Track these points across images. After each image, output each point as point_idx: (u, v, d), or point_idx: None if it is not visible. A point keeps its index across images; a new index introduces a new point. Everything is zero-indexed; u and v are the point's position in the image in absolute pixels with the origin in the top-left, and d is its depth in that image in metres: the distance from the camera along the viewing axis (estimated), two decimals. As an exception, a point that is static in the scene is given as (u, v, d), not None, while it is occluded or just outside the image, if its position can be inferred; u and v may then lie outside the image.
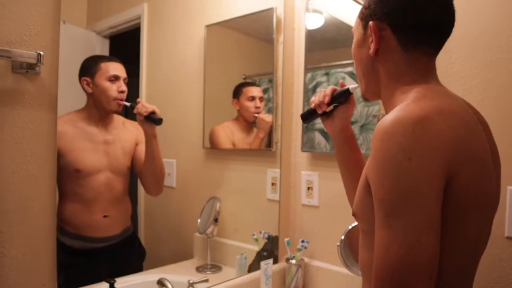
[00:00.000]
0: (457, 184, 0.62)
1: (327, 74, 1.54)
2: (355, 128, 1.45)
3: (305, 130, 1.60)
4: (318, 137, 1.56)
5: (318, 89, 1.57)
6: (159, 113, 1.34)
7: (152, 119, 1.33)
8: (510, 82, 1.15)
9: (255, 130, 1.70)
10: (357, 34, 0.82)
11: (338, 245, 1.36)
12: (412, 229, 0.58)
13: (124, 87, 1.35)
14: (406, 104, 0.66)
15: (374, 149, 0.65)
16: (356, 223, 1.36)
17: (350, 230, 1.36)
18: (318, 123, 1.56)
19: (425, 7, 0.72)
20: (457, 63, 1.24)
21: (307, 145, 1.60)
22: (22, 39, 0.96)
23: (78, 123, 1.33)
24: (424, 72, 0.74)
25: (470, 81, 1.22)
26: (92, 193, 1.31)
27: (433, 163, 0.60)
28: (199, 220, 1.62)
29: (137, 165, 1.43)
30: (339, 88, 0.99)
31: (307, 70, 1.61)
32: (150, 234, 1.59)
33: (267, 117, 1.65)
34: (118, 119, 1.43)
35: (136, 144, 1.44)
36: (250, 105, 1.66)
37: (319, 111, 1.01)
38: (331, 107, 0.99)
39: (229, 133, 1.70)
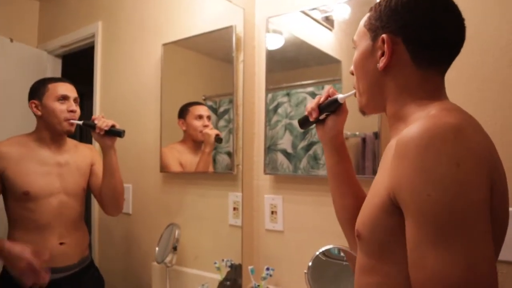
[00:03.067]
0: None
1: (288, 94, 1.55)
2: (318, 148, 1.45)
3: (268, 151, 1.59)
4: (281, 158, 1.56)
5: (279, 110, 1.56)
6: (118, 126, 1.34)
7: (114, 132, 1.32)
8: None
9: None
10: (362, 45, 0.79)
11: (305, 272, 1.34)
12: (471, 245, 0.54)
13: (74, 107, 1.35)
14: (435, 114, 0.64)
15: (408, 160, 0.60)
16: (325, 248, 1.34)
17: (317, 256, 1.34)
18: (280, 143, 1.55)
19: (442, 24, 0.70)
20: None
21: (269, 166, 1.59)
22: None
23: (28, 144, 1.31)
24: (437, 90, 0.73)
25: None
26: (46, 217, 1.28)
27: (480, 170, 0.57)
28: (157, 249, 1.58)
29: (95, 186, 1.42)
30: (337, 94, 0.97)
31: (268, 90, 1.61)
32: (105, 263, 1.54)
33: (212, 131, 1.65)
34: (71, 142, 1.43)
35: (91, 165, 1.43)
36: (198, 124, 1.66)
37: (311, 119, 0.99)
38: (323, 115, 0.98)
39: (176, 154, 1.68)
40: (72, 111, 1.32)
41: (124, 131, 1.32)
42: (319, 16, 1.51)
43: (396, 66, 0.73)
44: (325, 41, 1.51)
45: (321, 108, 0.97)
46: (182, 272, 1.61)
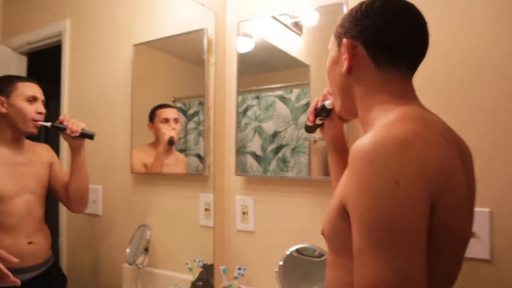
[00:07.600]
0: (435, 215, 0.64)
1: (257, 97, 1.63)
2: (287, 151, 1.52)
3: (237, 153, 1.66)
4: (250, 160, 1.64)
5: (248, 113, 1.63)
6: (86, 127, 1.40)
7: (86, 135, 1.39)
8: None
9: (175, 153, 1.76)
10: (332, 52, 0.87)
11: (276, 271, 1.42)
12: (404, 257, 0.59)
13: (42, 109, 1.38)
14: (387, 124, 0.69)
15: (355, 171, 0.65)
16: (294, 248, 1.41)
17: (288, 254, 1.42)
18: (249, 146, 1.62)
19: (398, 27, 0.77)
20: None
21: (239, 169, 1.66)
22: None
23: None
24: (402, 92, 0.78)
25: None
26: (14, 218, 1.30)
27: (420, 188, 0.61)
28: (127, 250, 1.62)
29: (57, 184, 1.45)
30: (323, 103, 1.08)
31: (238, 93, 1.67)
32: (74, 266, 1.57)
33: (168, 131, 1.72)
34: (28, 142, 1.44)
35: (51, 164, 1.45)
36: (164, 127, 1.71)
37: (308, 123, 1.12)
38: (318, 120, 1.11)
39: (143, 156, 1.74)
40: (40, 113, 1.36)
41: (94, 134, 1.39)
42: (288, 21, 1.60)
43: (358, 69, 0.80)
44: (294, 45, 1.60)
45: (316, 112, 1.09)
46: (153, 273, 1.66)
